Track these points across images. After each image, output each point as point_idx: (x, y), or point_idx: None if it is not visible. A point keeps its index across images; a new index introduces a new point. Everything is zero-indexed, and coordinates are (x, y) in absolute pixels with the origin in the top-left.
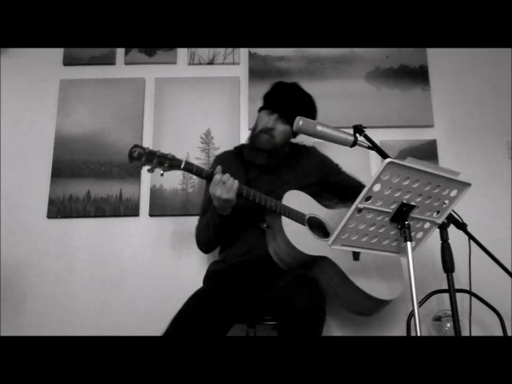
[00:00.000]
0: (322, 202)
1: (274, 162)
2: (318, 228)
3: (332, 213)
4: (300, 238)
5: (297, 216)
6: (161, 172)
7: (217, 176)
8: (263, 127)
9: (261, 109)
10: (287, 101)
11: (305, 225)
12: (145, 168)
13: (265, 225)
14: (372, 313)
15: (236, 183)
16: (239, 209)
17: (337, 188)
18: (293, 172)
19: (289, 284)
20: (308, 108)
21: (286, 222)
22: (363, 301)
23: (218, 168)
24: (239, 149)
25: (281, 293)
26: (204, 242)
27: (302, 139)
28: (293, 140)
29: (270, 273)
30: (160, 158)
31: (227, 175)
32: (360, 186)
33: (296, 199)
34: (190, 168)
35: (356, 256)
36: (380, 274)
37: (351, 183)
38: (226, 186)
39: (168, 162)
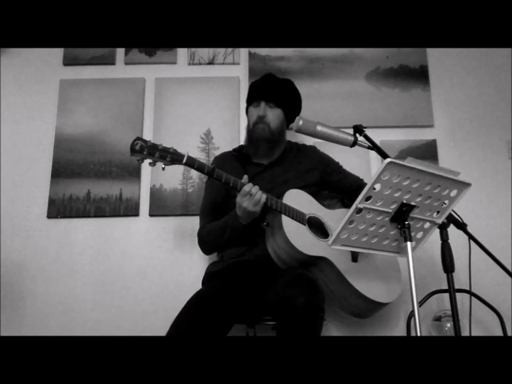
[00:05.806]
0: (322, 203)
1: (277, 153)
2: (317, 227)
3: (332, 214)
4: (299, 237)
5: (297, 215)
6: (163, 165)
7: (246, 188)
8: (256, 118)
9: (247, 109)
10: (270, 85)
11: (305, 224)
12: (146, 162)
13: (264, 224)
14: (369, 315)
15: (263, 197)
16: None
17: (337, 187)
18: (293, 171)
19: (288, 283)
20: (291, 90)
21: (286, 220)
22: (360, 303)
23: (245, 177)
24: (238, 151)
25: (280, 292)
26: (211, 246)
27: (302, 138)
28: (292, 140)
29: (268, 272)
30: (162, 152)
31: (256, 187)
32: (361, 186)
33: (297, 198)
34: (191, 163)
35: (354, 257)
36: (378, 276)
37: (351, 183)
38: (253, 199)
39: (170, 156)
